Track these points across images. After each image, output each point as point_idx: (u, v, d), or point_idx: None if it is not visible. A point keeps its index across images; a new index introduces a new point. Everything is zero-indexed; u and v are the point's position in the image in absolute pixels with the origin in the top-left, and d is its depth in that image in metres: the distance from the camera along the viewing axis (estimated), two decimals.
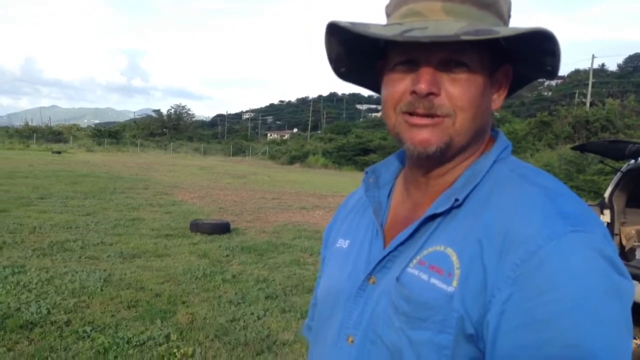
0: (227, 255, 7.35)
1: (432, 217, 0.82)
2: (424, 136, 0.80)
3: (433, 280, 0.76)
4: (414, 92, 0.79)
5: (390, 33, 0.76)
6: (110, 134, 61.11)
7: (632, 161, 6.14)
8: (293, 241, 8.76)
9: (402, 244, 0.84)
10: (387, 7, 0.86)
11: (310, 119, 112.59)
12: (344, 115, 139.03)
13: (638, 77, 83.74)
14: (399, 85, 0.82)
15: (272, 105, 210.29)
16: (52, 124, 72.53)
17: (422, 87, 0.78)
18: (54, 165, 23.88)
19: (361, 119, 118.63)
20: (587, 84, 49.65)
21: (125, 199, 12.85)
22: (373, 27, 0.78)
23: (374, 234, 0.92)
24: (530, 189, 0.76)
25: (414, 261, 0.81)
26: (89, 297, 5.08)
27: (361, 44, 0.85)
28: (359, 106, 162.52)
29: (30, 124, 61.33)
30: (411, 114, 0.80)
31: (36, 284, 5.37)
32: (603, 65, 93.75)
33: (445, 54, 0.78)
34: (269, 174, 30.16)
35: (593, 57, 48.60)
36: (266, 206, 13.54)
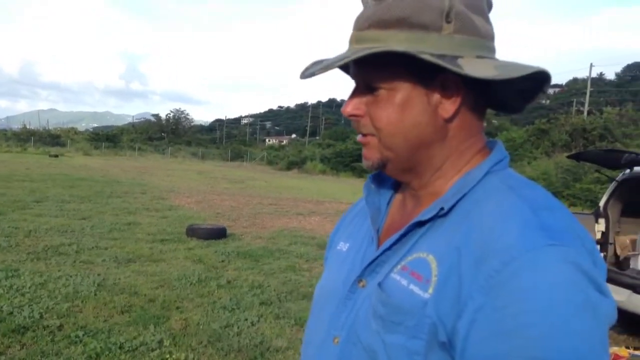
0: (222, 261, 7.33)
1: (420, 225, 0.83)
2: (364, 152, 0.88)
3: (412, 287, 0.77)
4: None
5: (304, 70, 0.84)
6: (108, 137, 61.00)
7: (628, 170, 6.15)
8: (289, 247, 8.75)
9: (389, 249, 0.85)
10: None
11: (309, 125, 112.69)
12: (342, 122, 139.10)
13: (636, 86, 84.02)
14: None
15: (270, 110, 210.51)
16: (50, 127, 72.44)
17: (344, 110, 0.87)
18: (50, 168, 23.85)
19: None
20: (585, 93, 49.81)
21: (122, 203, 12.83)
22: (326, 61, 0.83)
23: (369, 239, 0.94)
24: (515, 200, 0.76)
25: (398, 267, 0.82)
26: (82, 302, 5.07)
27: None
28: None
29: (28, 127, 61.22)
30: None
31: (29, 288, 5.35)
32: (601, 74, 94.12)
33: (363, 79, 0.84)
34: (266, 179, 30.16)
35: (591, 65, 48.74)
36: (263, 212, 13.53)
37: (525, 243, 0.69)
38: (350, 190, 25.41)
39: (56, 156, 37.66)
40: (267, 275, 6.74)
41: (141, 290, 5.61)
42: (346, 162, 43.22)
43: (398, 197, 0.98)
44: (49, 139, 55.32)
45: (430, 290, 0.75)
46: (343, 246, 1.01)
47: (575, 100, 60.51)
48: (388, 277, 0.82)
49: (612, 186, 6.41)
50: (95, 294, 5.32)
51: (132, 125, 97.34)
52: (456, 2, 0.79)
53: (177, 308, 5.14)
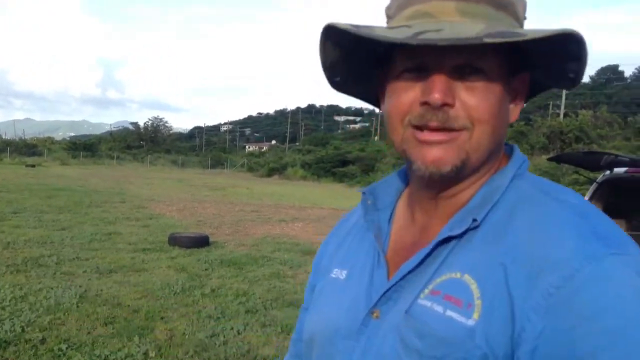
0: (206, 269, 7.26)
1: (446, 241, 0.72)
2: (437, 154, 0.71)
3: (449, 313, 0.67)
4: (425, 103, 0.70)
5: (401, 36, 0.66)
6: (86, 146, 60.51)
7: (608, 172, 6.23)
8: (273, 254, 8.70)
9: (411, 271, 0.74)
10: (389, 8, 0.77)
11: (288, 131, 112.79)
12: (322, 127, 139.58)
13: (610, 88, 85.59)
14: (407, 95, 0.72)
15: (250, 117, 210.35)
16: (26, 137, 71.48)
17: (436, 96, 0.68)
18: (27, 179, 23.45)
19: (339, 131, 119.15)
20: (561, 96, 50.54)
21: (102, 213, 12.65)
22: (378, 29, 0.70)
23: (375, 262, 0.81)
24: (558, 206, 0.69)
25: (426, 291, 0.71)
26: (64, 314, 4.97)
27: (360, 51, 0.77)
28: (337, 118, 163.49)
29: (3, 137, 60.33)
30: (421, 128, 0.71)
31: (10, 301, 5.23)
32: None
33: (461, 59, 0.69)
34: (247, 186, 30.04)
35: None
36: (245, 219, 13.45)
37: (585, 253, 0.61)
38: (331, 195, 25.43)
39: (33, 166, 37.12)
40: (251, 282, 6.69)
41: (124, 301, 5.52)
42: (327, 167, 43.29)
43: (400, 211, 0.87)
44: (25, 149, 54.60)
45: (476, 316, 0.65)
46: (339, 273, 0.87)
47: (551, 103, 61.31)
48: (415, 303, 0.71)
49: (592, 188, 6.48)
50: (78, 306, 5.22)
51: (110, 133, 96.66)
52: None
53: (162, 318, 5.07)
